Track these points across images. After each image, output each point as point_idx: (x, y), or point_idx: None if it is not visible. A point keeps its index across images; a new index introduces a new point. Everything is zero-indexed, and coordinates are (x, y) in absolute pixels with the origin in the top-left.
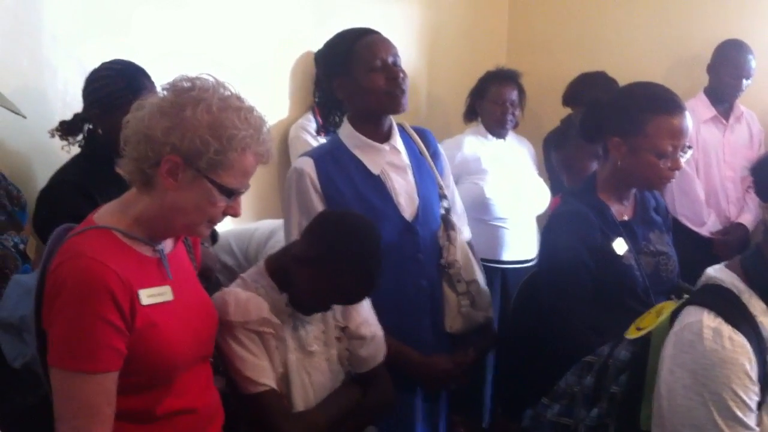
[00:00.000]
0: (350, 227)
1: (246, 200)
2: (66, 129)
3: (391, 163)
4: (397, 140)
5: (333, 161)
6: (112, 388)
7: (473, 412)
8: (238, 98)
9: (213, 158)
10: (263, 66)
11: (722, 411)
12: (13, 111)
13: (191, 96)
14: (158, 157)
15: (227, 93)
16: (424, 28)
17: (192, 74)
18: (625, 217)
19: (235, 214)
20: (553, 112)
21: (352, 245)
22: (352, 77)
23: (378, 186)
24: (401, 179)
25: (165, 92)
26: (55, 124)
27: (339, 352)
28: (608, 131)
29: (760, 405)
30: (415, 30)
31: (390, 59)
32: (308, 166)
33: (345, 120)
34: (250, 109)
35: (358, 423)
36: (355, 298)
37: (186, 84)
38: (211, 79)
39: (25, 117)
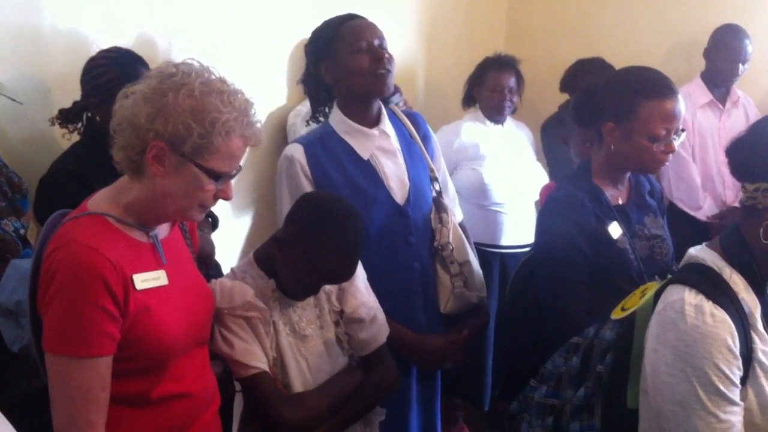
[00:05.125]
0: (327, 207)
1: (245, 187)
2: (65, 117)
3: (381, 147)
4: (387, 124)
5: (322, 147)
6: (107, 373)
7: (474, 396)
8: (222, 81)
9: (197, 142)
10: (262, 53)
11: (705, 386)
12: (9, 98)
13: (173, 81)
14: (143, 144)
15: (211, 77)
16: (422, 15)
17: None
18: (620, 201)
19: (226, 198)
20: (551, 99)
21: (327, 224)
22: (337, 60)
23: (368, 170)
24: (391, 163)
25: (150, 79)
26: (55, 112)
27: (338, 336)
28: (601, 116)
29: (744, 380)
30: (414, 16)
31: (375, 42)
32: (298, 152)
33: (335, 106)
34: (235, 92)
35: (362, 404)
36: (336, 278)
37: (170, 70)
38: (195, 63)
39: (21, 104)
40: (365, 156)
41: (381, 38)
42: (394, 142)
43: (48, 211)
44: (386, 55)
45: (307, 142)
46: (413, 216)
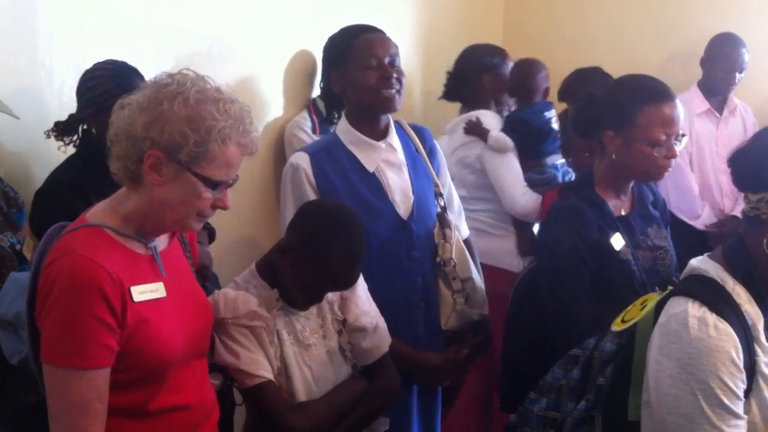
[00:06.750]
0: (330, 212)
1: (243, 198)
2: (61, 130)
3: (387, 160)
4: (394, 138)
5: (328, 157)
6: (104, 385)
7: None
8: (218, 90)
9: (193, 150)
10: (259, 64)
11: (710, 399)
12: (5, 112)
13: (169, 90)
14: (140, 153)
15: (207, 86)
16: (419, 24)
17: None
18: (623, 212)
19: (224, 207)
20: None
21: (331, 228)
22: (347, 72)
23: (373, 183)
24: (396, 176)
25: (145, 89)
26: (52, 125)
27: (341, 345)
28: (601, 126)
29: (748, 393)
30: (411, 26)
31: (387, 59)
32: (303, 161)
33: (342, 116)
34: (231, 100)
35: (366, 412)
36: (341, 283)
37: (165, 80)
38: (191, 73)
39: (18, 118)
40: (371, 168)
41: (393, 55)
42: (400, 155)
43: (44, 223)
44: (394, 75)
45: (314, 152)
46: (416, 230)
